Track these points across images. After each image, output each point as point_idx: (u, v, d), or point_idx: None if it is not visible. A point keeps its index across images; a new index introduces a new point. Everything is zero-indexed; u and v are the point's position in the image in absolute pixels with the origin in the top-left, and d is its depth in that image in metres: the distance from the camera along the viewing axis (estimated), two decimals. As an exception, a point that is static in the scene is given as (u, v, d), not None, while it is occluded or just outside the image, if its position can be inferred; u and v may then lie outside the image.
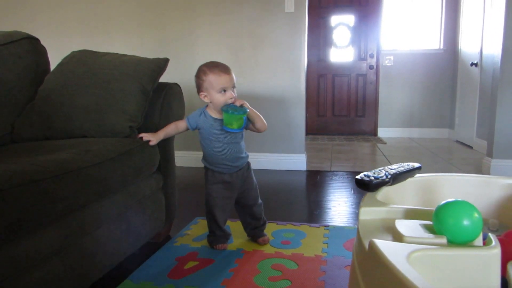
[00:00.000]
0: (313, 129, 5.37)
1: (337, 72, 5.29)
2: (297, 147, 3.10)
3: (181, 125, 1.51)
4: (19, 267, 0.88)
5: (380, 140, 4.80)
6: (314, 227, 1.80)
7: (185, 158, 3.17)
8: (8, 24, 3.25)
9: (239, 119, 1.38)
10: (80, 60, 1.62)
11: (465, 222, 0.60)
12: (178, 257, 1.49)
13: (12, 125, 1.54)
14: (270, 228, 1.74)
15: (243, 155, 1.53)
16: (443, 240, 0.60)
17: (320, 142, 4.67)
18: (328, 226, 1.81)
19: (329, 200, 2.28)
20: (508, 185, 0.93)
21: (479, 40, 4.01)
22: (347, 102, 5.31)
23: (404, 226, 0.65)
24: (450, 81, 4.96)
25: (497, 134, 2.81)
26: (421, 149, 4.15)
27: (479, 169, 3.10)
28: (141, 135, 1.46)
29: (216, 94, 1.41)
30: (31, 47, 1.69)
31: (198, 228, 1.79)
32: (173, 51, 3.17)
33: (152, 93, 1.55)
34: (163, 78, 1.63)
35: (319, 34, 5.21)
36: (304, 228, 1.78)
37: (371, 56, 5.14)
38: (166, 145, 1.62)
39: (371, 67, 5.17)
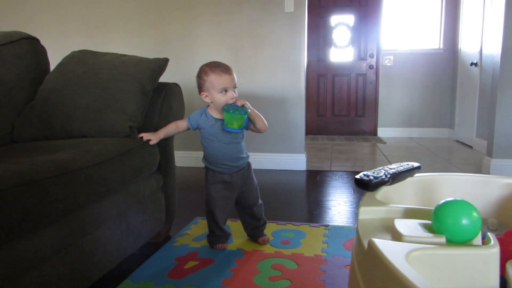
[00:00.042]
0: (313, 129, 5.37)
1: (337, 72, 5.29)
2: (297, 147, 3.10)
3: (181, 124, 1.51)
4: (19, 267, 0.88)
5: (380, 140, 4.80)
6: (314, 226, 1.80)
7: (185, 158, 3.17)
8: (8, 24, 3.26)
9: (239, 119, 1.39)
10: (80, 60, 1.62)
11: (464, 222, 0.60)
12: (178, 257, 1.50)
13: (12, 125, 1.55)
14: (270, 228, 1.74)
15: (244, 155, 1.53)
16: (442, 240, 0.60)
17: (320, 142, 4.67)
18: (328, 225, 1.81)
19: (329, 200, 2.28)
20: (507, 184, 0.93)
21: (479, 40, 4.01)
22: (347, 102, 5.31)
23: (403, 226, 0.65)
24: (450, 81, 4.96)
25: (497, 134, 2.81)
26: (421, 149, 4.15)
27: (479, 168, 3.10)
28: (141, 135, 1.47)
29: (217, 94, 1.41)
30: (31, 47, 1.69)
31: (198, 228, 1.79)
32: (173, 51, 3.17)
33: (152, 93, 1.55)
34: (163, 78, 1.63)
35: (319, 34, 5.21)
36: (304, 227, 1.78)
37: (371, 56, 5.14)
38: (166, 145, 1.62)
39: (371, 67, 5.17)
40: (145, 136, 1.46)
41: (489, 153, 2.89)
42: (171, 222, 1.72)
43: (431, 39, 5.06)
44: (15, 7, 3.43)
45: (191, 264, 1.44)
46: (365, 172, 0.87)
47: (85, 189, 1.08)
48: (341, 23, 5.18)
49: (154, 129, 1.54)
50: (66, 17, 3.36)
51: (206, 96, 1.45)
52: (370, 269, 0.60)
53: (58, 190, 0.98)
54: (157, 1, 3.20)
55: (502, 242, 0.66)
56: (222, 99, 1.41)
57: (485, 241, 0.61)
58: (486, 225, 0.89)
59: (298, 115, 3.06)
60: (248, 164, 1.58)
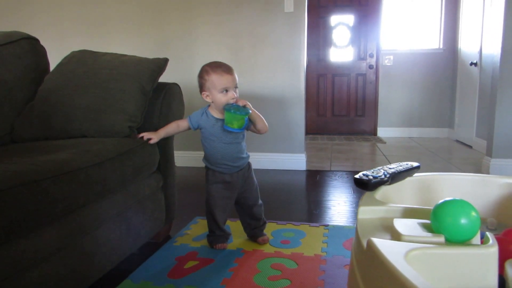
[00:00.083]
0: (312, 129, 5.37)
1: (337, 72, 5.29)
2: (297, 147, 3.10)
3: (182, 124, 1.51)
4: (19, 267, 0.88)
5: (380, 140, 4.80)
6: (313, 226, 1.80)
7: (185, 158, 3.17)
8: (8, 24, 3.26)
9: (240, 119, 1.39)
10: (80, 60, 1.62)
11: (463, 221, 0.60)
12: (178, 256, 1.50)
13: (11, 125, 1.55)
14: (270, 228, 1.74)
15: (244, 155, 1.53)
16: (441, 239, 0.60)
17: (320, 142, 4.67)
18: (327, 225, 1.81)
19: (329, 200, 2.29)
20: (506, 184, 0.93)
21: (479, 40, 4.01)
22: (346, 101, 5.31)
23: (402, 225, 0.65)
24: (450, 80, 4.96)
25: (496, 134, 2.81)
26: (421, 149, 4.15)
27: (479, 168, 3.10)
28: (141, 134, 1.47)
29: (218, 94, 1.42)
30: (31, 47, 1.69)
31: (198, 227, 1.79)
32: (173, 51, 3.17)
33: (151, 93, 1.56)
34: (163, 78, 1.63)
35: (319, 34, 5.21)
36: (304, 227, 1.78)
37: (371, 55, 5.14)
38: (165, 145, 1.62)
39: (370, 66, 5.17)
40: (146, 135, 1.47)
41: (489, 153, 2.90)
42: (171, 222, 1.72)
43: (431, 39, 5.06)
44: (15, 7, 3.43)
45: (191, 264, 1.44)
46: (364, 172, 0.88)
47: (85, 189, 1.08)
48: (341, 23, 5.18)
49: (154, 129, 1.54)
50: (66, 17, 3.36)
51: (207, 96, 1.45)
52: (369, 268, 0.60)
53: (58, 190, 0.98)
54: (157, 1, 3.20)
55: (500, 241, 0.66)
56: (223, 99, 1.42)
57: (483, 240, 0.62)
58: (485, 224, 0.89)
59: (298, 115, 3.06)
60: (249, 164, 1.58)
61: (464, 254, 0.58)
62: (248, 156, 1.56)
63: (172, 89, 1.64)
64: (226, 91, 1.42)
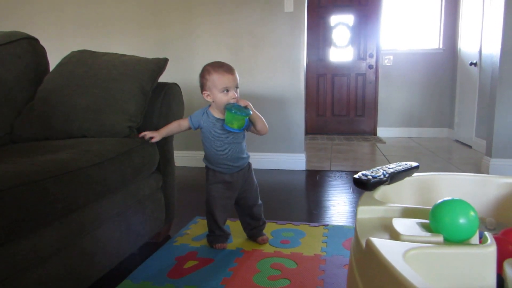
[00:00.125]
0: (312, 129, 5.37)
1: (337, 71, 5.29)
2: (296, 147, 3.10)
3: (183, 123, 1.52)
4: (19, 267, 0.88)
5: (380, 140, 4.80)
6: (313, 226, 1.80)
7: (185, 158, 3.18)
8: (8, 25, 3.25)
9: (240, 119, 1.39)
10: (80, 60, 1.62)
11: (461, 221, 0.61)
12: (177, 256, 1.50)
13: (11, 125, 1.55)
14: (270, 228, 1.74)
15: (244, 155, 1.53)
16: (440, 239, 0.61)
17: (320, 142, 4.67)
18: (327, 225, 1.82)
19: (329, 200, 2.29)
20: (505, 184, 0.94)
21: (478, 40, 4.01)
22: (346, 101, 5.31)
23: (401, 225, 0.65)
24: (450, 80, 4.96)
25: (496, 134, 2.81)
26: (421, 149, 4.15)
27: (478, 168, 3.11)
28: (143, 133, 1.47)
29: (219, 94, 1.42)
30: (30, 47, 1.69)
31: (198, 227, 1.79)
32: (173, 51, 3.17)
33: (151, 93, 1.56)
34: (163, 78, 1.63)
35: (319, 34, 5.21)
36: (304, 227, 1.79)
37: (371, 55, 5.14)
38: (165, 145, 1.62)
39: (370, 66, 5.17)
40: (148, 134, 1.47)
41: (488, 153, 2.90)
42: (170, 222, 1.72)
43: (431, 39, 5.06)
44: (15, 8, 3.43)
45: (190, 263, 1.44)
46: (363, 172, 0.88)
47: (85, 189, 1.08)
48: (341, 23, 5.18)
49: (154, 129, 1.54)
50: (65, 17, 3.36)
51: (208, 95, 1.45)
52: (368, 268, 0.60)
53: (58, 190, 0.98)
54: (157, 1, 3.20)
55: (499, 241, 0.67)
56: (223, 98, 1.42)
57: (482, 240, 0.62)
58: (484, 224, 0.90)
59: (298, 115, 3.06)
60: (249, 165, 1.58)
61: (463, 253, 0.58)
62: (249, 156, 1.56)
63: (172, 89, 1.65)
64: (227, 90, 1.42)
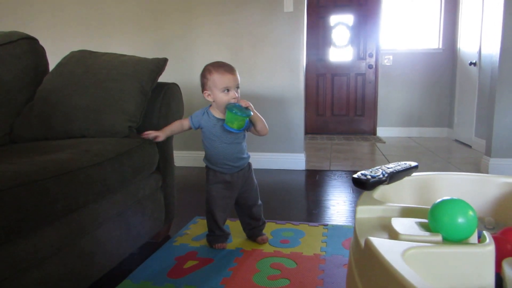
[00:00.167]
0: (312, 129, 5.38)
1: (336, 71, 5.29)
2: (296, 147, 3.11)
3: (185, 123, 1.53)
4: (19, 267, 0.88)
5: (379, 140, 4.80)
6: (313, 226, 1.80)
7: (184, 158, 3.18)
8: (7, 25, 3.26)
9: (241, 120, 1.39)
10: (79, 60, 1.62)
11: (460, 220, 0.61)
12: (177, 256, 1.50)
13: (11, 126, 1.55)
14: (269, 227, 1.75)
15: (245, 155, 1.54)
16: (438, 238, 0.61)
17: (319, 142, 4.67)
18: (327, 225, 1.82)
19: (328, 199, 2.29)
20: (504, 183, 0.94)
21: (478, 40, 4.01)
22: (346, 101, 5.31)
23: (400, 224, 0.65)
24: (449, 80, 4.97)
25: (495, 133, 2.82)
26: (420, 148, 4.16)
27: (478, 168, 3.11)
28: (147, 132, 1.48)
29: (220, 93, 1.42)
30: (30, 48, 1.69)
31: (197, 227, 1.80)
32: (172, 51, 3.17)
33: (151, 93, 1.56)
34: (163, 78, 1.64)
35: (318, 34, 5.21)
36: (303, 227, 1.79)
37: (370, 55, 5.14)
38: (165, 145, 1.62)
39: (370, 66, 5.17)
40: (152, 133, 1.47)
41: (488, 153, 2.90)
42: (170, 222, 1.72)
43: (430, 39, 5.06)
44: (14, 8, 3.43)
45: (190, 263, 1.44)
46: (362, 172, 0.88)
47: (85, 189, 1.08)
48: (341, 23, 5.19)
49: (154, 128, 1.54)
50: (65, 17, 3.36)
51: (209, 95, 1.46)
52: (367, 267, 0.60)
53: (58, 190, 0.98)
54: (156, 1, 3.20)
55: (498, 240, 0.67)
56: (224, 98, 1.42)
57: (480, 239, 0.62)
58: (483, 223, 0.90)
59: (297, 115, 3.06)
60: (249, 165, 1.58)
61: (461, 253, 0.58)
62: (249, 157, 1.57)
63: (172, 89, 1.65)
64: (228, 90, 1.42)
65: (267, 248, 1.56)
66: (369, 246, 0.58)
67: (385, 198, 0.84)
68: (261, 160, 3.09)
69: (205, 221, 1.62)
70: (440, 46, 4.99)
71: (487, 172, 2.84)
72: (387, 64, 5.13)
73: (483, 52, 3.92)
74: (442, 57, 4.96)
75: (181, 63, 3.16)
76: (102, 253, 1.19)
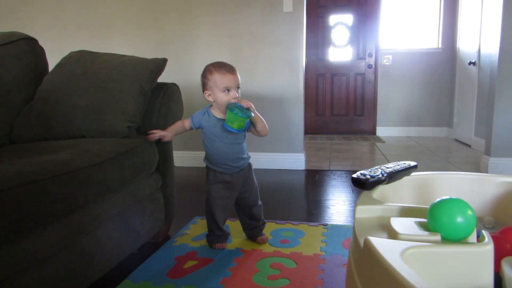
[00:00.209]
0: (312, 129, 5.38)
1: (336, 71, 5.29)
2: (296, 147, 3.11)
3: (186, 123, 1.53)
4: (19, 267, 0.88)
5: (379, 139, 4.81)
6: (312, 226, 1.80)
7: (184, 158, 3.18)
8: (7, 25, 3.26)
9: (241, 121, 1.39)
10: (79, 61, 1.62)
11: (459, 220, 0.61)
12: (177, 256, 1.50)
13: (10, 126, 1.55)
14: (269, 227, 1.75)
15: (245, 155, 1.54)
16: (437, 237, 0.61)
17: (319, 141, 4.68)
18: (326, 225, 1.82)
19: (328, 199, 2.29)
20: (503, 183, 0.94)
21: (477, 39, 4.02)
22: (345, 101, 5.31)
23: (399, 224, 0.66)
24: (449, 80, 4.97)
25: (495, 133, 2.82)
26: (420, 148, 4.16)
27: (478, 167, 3.11)
28: (152, 132, 1.48)
29: (220, 93, 1.43)
30: (29, 48, 1.69)
31: (197, 227, 1.80)
32: (172, 52, 3.17)
33: (150, 93, 1.56)
34: (162, 78, 1.64)
35: (318, 34, 5.22)
36: (303, 227, 1.79)
37: (370, 55, 5.15)
38: (165, 145, 1.63)
39: (369, 66, 5.18)
40: (158, 133, 1.48)
41: (487, 152, 2.90)
42: (170, 222, 1.72)
43: (430, 39, 5.07)
44: (14, 8, 3.43)
45: (190, 263, 1.44)
46: (362, 171, 0.88)
47: (84, 189, 1.09)
48: (340, 23, 5.19)
49: (153, 129, 1.55)
50: (65, 18, 3.36)
51: (209, 95, 1.46)
52: (366, 266, 0.61)
53: (58, 190, 0.98)
54: (156, 1, 3.20)
55: (497, 239, 0.67)
56: (224, 98, 1.43)
57: (479, 239, 0.62)
58: (483, 223, 0.90)
59: (297, 115, 3.06)
60: (249, 165, 1.58)
61: (460, 252, 0.58)
62: (249, 157, 1.57)
63: (171, 89, 1.65)
64: (228, 90, 1.43)
65: (267, 248, 1.56)
66: (368, 246, 0.58)
67: (384, 197, 0.84)
68: (260, 160, 3.09)
69: (205, 221, 1.62)
70: (440, 46, 4.99)
71: (486, 172, 2.84)
72: (386, 63, 5.13)
73: (482, 51, 3.93)
74: (442, 56, 4.97)
75: (180, 63, 3.16)
76: (102, 253, 1.19)
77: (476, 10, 4.05)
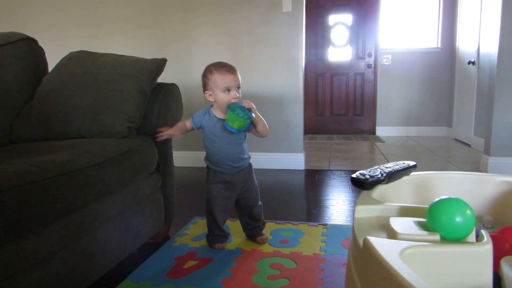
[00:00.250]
0: (311, 128, 5.38)
1: (335, 71, 5.29)
2: (295, 146, 3.11)
3: (187, 124, 1.53)
4: (19, 267, 0.88)
5: (379, 139, 4.81)
6: (312, 225, 1.80)
7: (184, 158, 3.18)
8: (6, 26, 3.26)
9: (242, 121, 1.39)
10: (78, 61, 1.62)
11: (458, 219, 0.61)
12: (177, 256, 1.50)
13: (10, 126, 1.55)
14: (269, 227, 1.75)
15: (245, 156, 1.54)
16: (436, 237, 0.61)
17: (319, 141, 4.68)
18: (326, 224, 1.82)
19: (328, 199, 2.29)
20: (502, 182, 0.94)
21: (477, 39, 4.02)
22: (345, 101, 5.32)
23: (398, 224, 0.66)
24: (448, 79, 4.97)
25: (494, 132, 2.82)
26: (419, 148, 4.16)
27: (477, 167, 3.11)
28: (160, 132, 1.48)
29: (220, 93, 1.43)
30: (29, 48, 1.70)
31: (197, 227, 1.80)
32: (172, 52, 3.17)
33: (150, 94, 1.56)
34: (162, 79, 1.64)
35: (317, 33, 5.22)
36: (303, 227, 1.79)
37: (369, 55, 5.15)
38: (164, 145, 1.63)
39: (369, 66, 5.18)
40: (166, 133, 1.48)
41: (487, 151, 2.90)
42: (170, 222, 1.73)
43: (429, 38, 5.07)
44: (13, 9, 3.43)
45: (190, 263, 1.44)
46: (361, 171, 0.88)
47: (84, 189, 1.09)
48: (339, 23, 5.19)
49: (152, 129, 1.55)
50: (64, 18, 3.36)
51: (210, 95, 1.46)
52: (365, 266, 0.61)
53: (57, 190, 0.98)
54: (156, 2, 3.20)
55: (496, 239, 0.67)
56: (225, 98, 1.43)
57: (478, 238, 0.62)
58: (482, 222, 0.90)
59: (297, 115, 3.07)
60: (249, 165, 1.59)
61: (459, 252, 0.58)
62: (249, 157, 1.57)
63: (171, 89, 1.65)
64: (229, 90, 1.43)
65: (266, 248, 1.56)
66: (367, 246, 0.58)
67: (383, 197, 0.85)
68: (260, 160, 3.09)
69: (204, 221, 1.62)
70: (439, 45, 4.99)
71: (486, 171, 2.84)
72: (386, 63, 5.14)
73: (481, 51, 3.93)
74: (441, 56, 4.97)
75: (180, 63, 3.16)
76: (102, 253, 1.19)
77: (475, 10, 4.05)
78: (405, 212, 0.75)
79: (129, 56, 1.64)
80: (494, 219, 0.91)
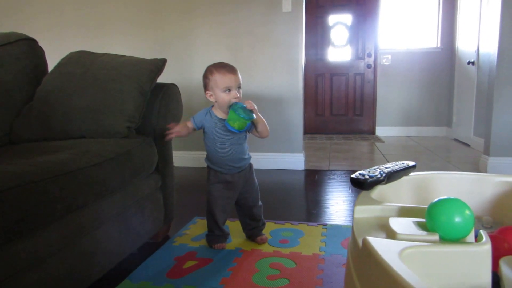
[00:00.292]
0: (311, 128, 5.38)
1: (335, 71, 5.30)
2: (295, 146, 3.11)
3: (189, 124, 1.53)
4: (19, 267, 0.89)
5: (378, 139, 4.81)
6: (312, 226, 1.81)
7: (183, 158, 3.18)
8: (6, 26, 3.26)
9: (243, 122, 1.39)
10: (78, 61, 1.62)
11: (457, 219, 0.61)
12: (177, 256, 1.50)
13: (10, 126, 1.55)
14: (269, 227, 1.75)
15: (246, 156, 1.54)
16: (436, 237, 0.61)
17: (318, 141, 4.68)
18: (326, 224, 1.82)
19: (327, 199, 2.29)
20: (502, 182, 0.94)
21: (476, 39, 4.02)
22: (345, 101, 5.32)
23: (397, 224, 0.66)
24: (448, 79, 4.98)
25: (494, 132, 2.83)
26: (419, 148, 4.16)
27: (477, 167, 3.12)
28: (170, 133, 1.48)
29: (221, 93, 1.43)
30: (29, 48, 1.70)
31: (197, 227, 1.80)
32: (171, 52, 3.17)
33: (150, 94, 1.56)
34: (162, 79, 1.64)
35: (317, 34, 5.22)
36: (302, 227, 1.79)
37: (369, 55, 5.15)
38: (164, 145, 1.63)
39: (368, 66, 5.18)
40: (174, 132, 1.47)
41: (486, 151, 2.91)
42: (169, 222, 1.73)
43: (429, 38, 5.07)
44: (13, 9, 3.43)
45: (190, 263, 1.44)
46: (360, 172, 0.88)
47: (84, 189, 1.09)
48: (339, 23, 5.19)
49: (152, 130, 1.55)
50: (64, 18, 3.36)
51: (211, 95, 1.47)
52: (364, 266, 0.61)
53: (57, 190, 0.98)
54: (156, 2, 3.20)
55: (495, 239, 0.67)
56: (225, 98, 1.43)
57: (477, 238, 0.62)
58: (481, 222, 0.90)
59: (296, 115, 3.07)
60: (250, 165, 1.59)
61: (458, 252, 0.58)
62: (250, 157, 1.57)
63: (170, 89, 1.65)
64: (229, 90, 1.43)
65: (266, 248, 1.56)
66: (366, 246, 0.58)
67: (383, 197, 0.85)
68: (260, 160, 3.09)
69: (204, 221, 1.62)
70: (439, 45, 5.00)
71: (486, 171, 2.85)
72: (385, 63, 5.14)
73: (481, 51, 3.93)
74: (441, 56, 4.97)
75: (180, 63, 3.16)
76: (102, 253, 1.19)
77: (475, 10, 4.05)
78: (404, 212, 0.75)
79: (129, 56, 1.64)
80: (493, 219, 0.91)
